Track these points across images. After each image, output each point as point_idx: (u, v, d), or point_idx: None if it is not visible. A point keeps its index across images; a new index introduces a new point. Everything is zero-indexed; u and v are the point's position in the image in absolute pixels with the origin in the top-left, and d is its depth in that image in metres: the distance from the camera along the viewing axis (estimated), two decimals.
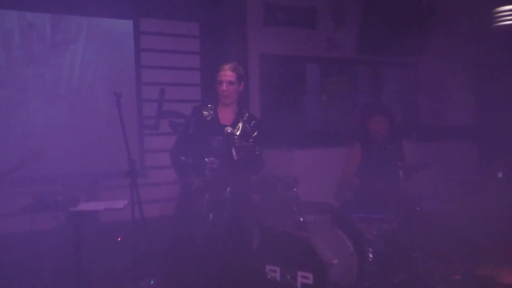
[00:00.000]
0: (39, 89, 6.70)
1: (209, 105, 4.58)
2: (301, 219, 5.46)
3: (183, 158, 4.46)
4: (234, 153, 4.20)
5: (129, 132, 4.39)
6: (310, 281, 5.08)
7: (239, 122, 4.52)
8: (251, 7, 7.71)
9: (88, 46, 6.96)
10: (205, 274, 4.30)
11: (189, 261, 4.31)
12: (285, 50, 8.08)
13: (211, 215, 4.33)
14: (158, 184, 7.07)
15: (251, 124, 4.54)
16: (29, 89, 6.66)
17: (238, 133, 4.39)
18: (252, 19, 7.73)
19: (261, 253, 5.29)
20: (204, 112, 4.52)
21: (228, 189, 4.37)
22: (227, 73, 4.45)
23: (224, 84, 4.45)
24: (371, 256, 5.52)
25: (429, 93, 9.46)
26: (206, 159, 4.37)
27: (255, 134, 4.51)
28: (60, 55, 6.80)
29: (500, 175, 7.94)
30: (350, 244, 5.39)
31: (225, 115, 4.55)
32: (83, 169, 6.71)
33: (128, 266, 4.77)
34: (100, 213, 6.09)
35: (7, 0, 6.39)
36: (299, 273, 5.15)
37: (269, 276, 5.26)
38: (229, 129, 4.27)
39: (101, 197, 6.28)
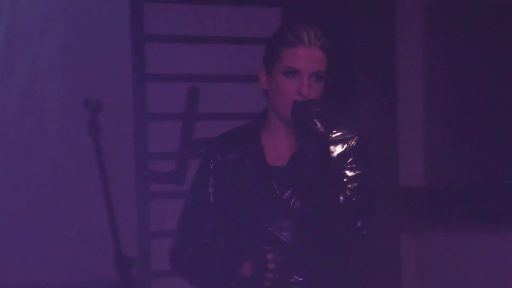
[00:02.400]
0: None
1: (240, 134, 3.25)
2: None
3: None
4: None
5: (120, 191, 3.15)
6: None
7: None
8: None
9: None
10: None
11: None
12: None
13: None
14: None
15: (344, 148, 3.22)
16: None
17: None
18: None
19: None
20: (232, 155, 3.24)
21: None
22: (314, 53, 2.93)
23: (305, 79, 2.97)
24: None
25: None
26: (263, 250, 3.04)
27: (352, 160, 3.14)
28: None
29: None
30: None
31: (279, 146, 3.20)
32: (27, 278, 4.99)
33: None
34: None
35: None
36: None
37: None
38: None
39: None
